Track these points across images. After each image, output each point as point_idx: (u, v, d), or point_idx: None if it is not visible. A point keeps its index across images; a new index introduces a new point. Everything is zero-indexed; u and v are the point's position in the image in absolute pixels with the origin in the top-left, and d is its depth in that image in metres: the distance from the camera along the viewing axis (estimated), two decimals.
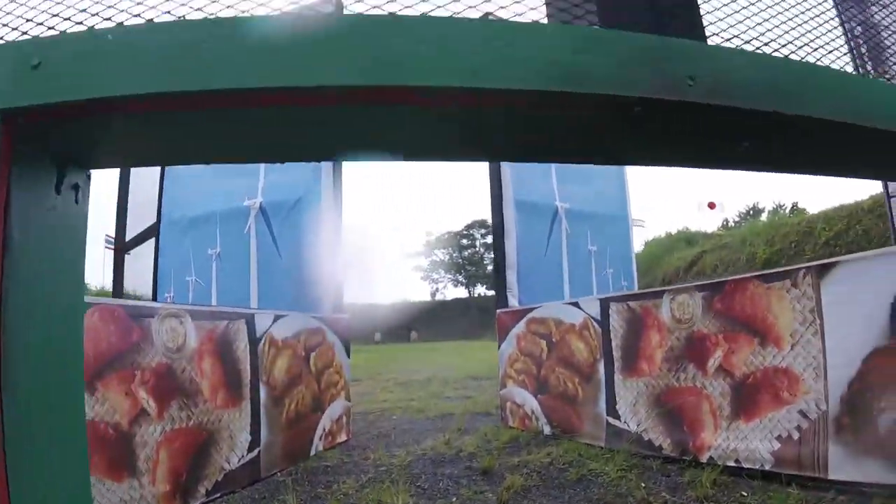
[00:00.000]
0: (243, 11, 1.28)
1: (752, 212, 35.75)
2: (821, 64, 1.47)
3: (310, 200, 8.87)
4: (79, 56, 1.08)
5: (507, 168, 10.06)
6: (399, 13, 1.19)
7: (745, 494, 4.70)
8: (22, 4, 1.26)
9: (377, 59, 1.08)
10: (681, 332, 5.82)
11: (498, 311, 9.30)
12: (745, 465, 5.12)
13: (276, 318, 6.42)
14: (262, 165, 8.86)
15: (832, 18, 1.55)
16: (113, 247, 10.69)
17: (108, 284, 12.62)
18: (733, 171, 1.57)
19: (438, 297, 75.18)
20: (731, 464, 5.23)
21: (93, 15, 1.21)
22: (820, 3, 1.55)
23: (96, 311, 4.12)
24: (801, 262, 12.10)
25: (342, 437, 7.81)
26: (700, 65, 1.21)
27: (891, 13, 2.00)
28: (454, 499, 5.18)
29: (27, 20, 1.24)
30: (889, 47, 1.93)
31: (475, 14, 1.30)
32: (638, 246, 24.35)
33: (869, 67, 1.90)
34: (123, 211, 10.53)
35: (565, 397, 7.49)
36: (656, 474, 5.53)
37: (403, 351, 33.75)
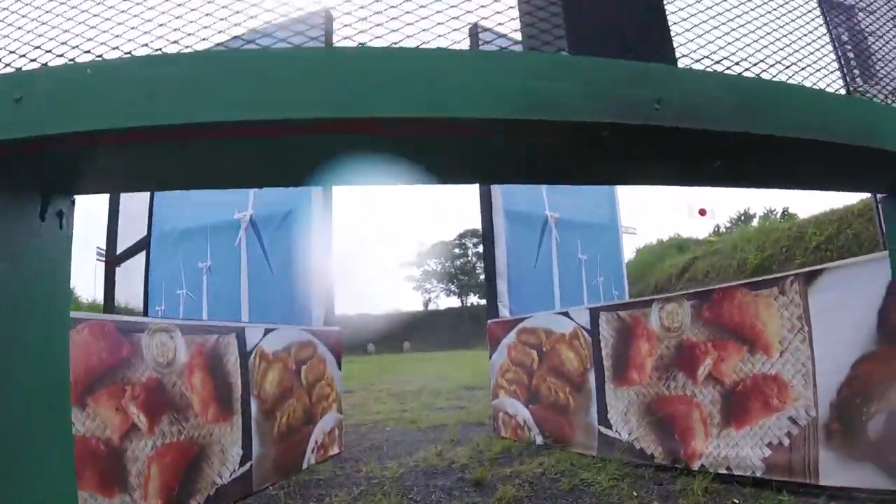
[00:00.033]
0: (236, 24, 1.31)
1: (742, 217, 35.90)
2: (793, 81, 1.50)
3: (300, 213, 8.88)
4: (59, 90, 1.10)
5: None
6: (367, 44, 1.21)
7: (737, 502, 4.72)
8: (5, 37, 1.27)
9: (344, 91, 1.09)
10: (670, 341, 5.85)
11: (489, 321, 9.30)
12: (737, 473, 5.13)
13: (267, 331, 6.41)
14: None
15: (804, 35, 1.58)
16: (104, 259, 10.65)
17: (100, 297, 12.55)
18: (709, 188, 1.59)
19: (431, 306, 75.02)
20: (723, 471, 5.24)
21: (73, 48, 1.23)
22: (792, 21, 1.58)
23: (86, 326, 4.11)
24: (792, 267, 12.18)
25: (335, 450, 7.79)
26: (667, 88, 1.23)
27: (878, 19, 2.04)
28: None
29: (10, 52, 1.26)
30: (875, 53, 1.97)
31: (444, 42, 1.32)
32: (630, 253, 24.44)
33: (856, 73, 1.93)
34: (114, 223, 10.49)
35: (557, 407, 7.50)
36: (648, 483, 5.54)
37: (397, 361, 33.64)
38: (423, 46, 1.25)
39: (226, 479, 5.37)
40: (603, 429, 6.67)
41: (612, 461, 6.20)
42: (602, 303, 9.02)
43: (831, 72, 1.58)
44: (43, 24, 1.27)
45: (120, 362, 4.33)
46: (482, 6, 1.40)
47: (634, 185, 1.65)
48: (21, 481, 1.22)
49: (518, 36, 1.45)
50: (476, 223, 10.82)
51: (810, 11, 1.64)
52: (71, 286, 1.49)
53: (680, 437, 5.72)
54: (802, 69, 1.52)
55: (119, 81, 1.09)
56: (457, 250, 74.44)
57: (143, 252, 10.19)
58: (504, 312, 9.67)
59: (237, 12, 1.34)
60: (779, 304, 4.88)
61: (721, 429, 5.32)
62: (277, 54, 1.16)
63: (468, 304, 70.64)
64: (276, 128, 1.06)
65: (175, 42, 1.25)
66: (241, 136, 1.08)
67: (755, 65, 1.44)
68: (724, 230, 31.87)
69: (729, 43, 1.43)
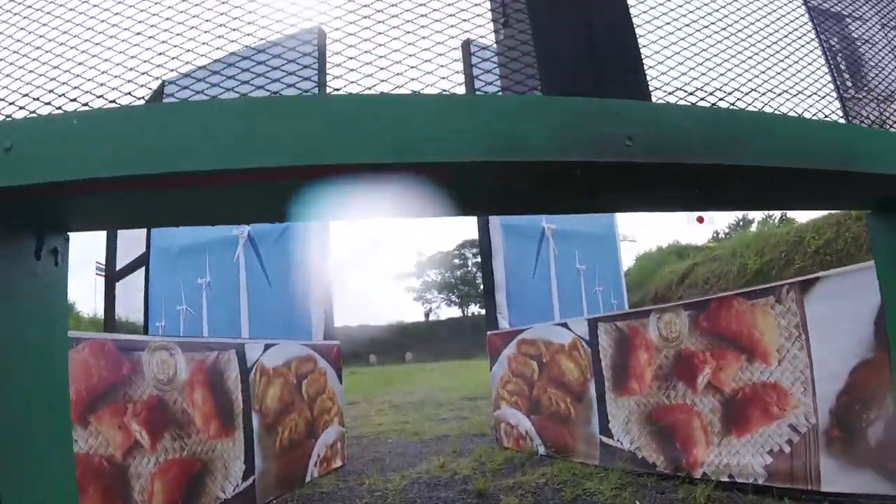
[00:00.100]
0: (233, 40, 1.34)
1: (741, 223, 35.78)
2: (768, 109, 1.52)
3: (298, 227, 8.90)
4: (47, 140, 1.13)
5: None
6: (332, 92, 1.24)
7: None
8: None
9: (309, 139, 1.13)
10: (669, 351, 5.86)
11: (488, 333, 9.31)
12: (739, 480, 5.13)
13: (267, 347, 6.43)
14: None
15: (781, 61, 1.60)
16: (103, 274, 10.69)
17: (101, 310, 12.56)
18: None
19: (432, 317, 74.93)
20: (725, 479, 5.24)
21: (59, 95, 1.26)
22: (768, 47, 1.60)
23: (87, 346, 4.14)
24: (791, 271, 12.18)
25: (337, 463, 7.79)
26: (637, 124, 1.24)
27: (868, 29, 2.07)
28: None
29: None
30: (868, 62, 1.99)
31: (437, 59, 1.35)
32: (630, 261, 24.44)
33: (849, 84, 1.96)
34: (113, 239, 10.54)
35: (558, 417, 7.50)
36: (651, 492, 5.54)
37: (399, 372, 33.55)
38: (400, 88, 1.28)
39: (229, 493, 5.38)
40: (604, 438, 6.68)
41: (615, 470, 6.20)
42: (601, 314, 9.03)
43: (809, 95, 1.60)
44: (29, 71, 1.31)
45: (121, 380, 4.36)
46: (475, 15, 1.44)
47: (618, 212, 1.68)
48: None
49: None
50: (475, 234, 10.81)
51: (787, 36, 1.67)
52: (70, 301, 1.52)
53: (681, 446, 5.73)
54: (779, 95, 1.55)
55: (104, 132, 1.12)
56: (456, 261, 74.39)
57: (143, 268, 10.22)
58: (503, 324, 9.68)
59: (229, 31, 1.38)
60: (776, 313, 4.90)
61: (722, 437, 5.33)
62: (260, 103, 1.19)
63: (469, 314, 70.51)
64: (263, 175, 1.09)
65: (149, 79, 1.28)
66: (227, 183, 1.12)
67: (729, 94, 1.46)
68: (723, 236, 31.82)
69: (702, 74, 1.45)
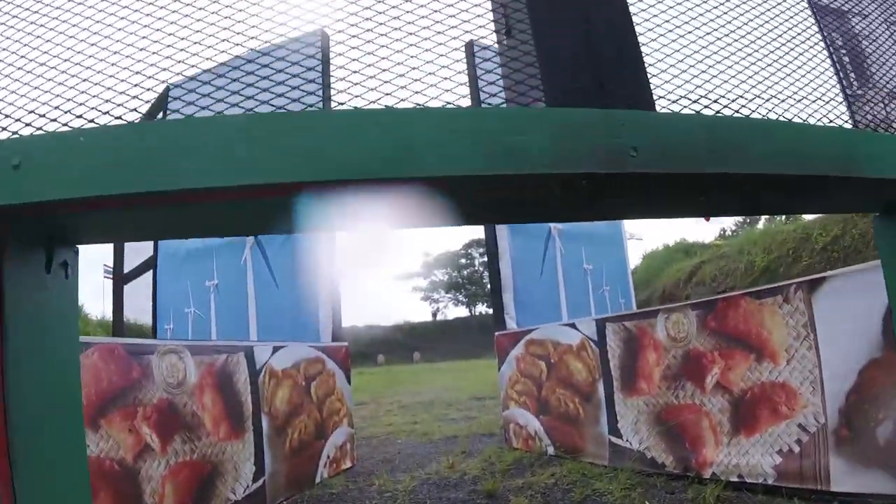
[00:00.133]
0: (237, 44, 1.35)
1: (748, 220, 35.64)
2: (773, 114, 1.51)
3: None
4: (54, 157, 1.14)
5: None
6: (336, 108, 1.24)
7: None
8: (1, 100, 1.32)
9: (313, 155, 1.13)
10: (677, 351, 5.84)
11: (496, 333, 9.31)
12: (748, 480, 5.11)
13: (275, 349, 6.45)
14: None
15: (783, 67, 1.60)
16: (111, 276, 10.73)
17: (109, 312, 12.60)
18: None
19: (440, 316, 74.98)
20: (734, 479, 5.23)
21: (65, 112, 1.27)
22: (768, 54, 1.60)
23: (96, 350, 4.16)
24: (798, 268, 12.13)
25: (347, 464, 7.81)
26: (642, 134, 1.24)
27: (870, 23, 2.06)
28: None
29: (5, 116, 1.30)
30: (873, 62, 1.99)
31: (440, 59, 1.36)
32: (636, 259, 24.36)
33: (855, 85, 1.95)
34: (121, 244, 10.58)
35: (567, 417, 7.49)
36: (660, 492, 5.52)
37: (407, 372, 33.57)
38: (404, 102, 1.28)
39: (239, 495, 5.40)
40: (613, 438, 6.67)
41: (624, 470, 6.19)
42: (608, 314, 9.01)
43: (813, 100, 1.60)
44: (35, 88, 1.32)
45: (131, 384, 4.38)
46: (478, 16, 1.44)
47: (625, 219, 1.68)
48: None
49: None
50: (481, 233, 10.81)
51: (790, 41, 1.67)
52: (79, 303, 1.54)
53: (690, 446, 5.71)
54: (783, 101, 1.54)
55: (111, 149, 1.13)
56: (463, 260, 74.47)
57: (150, 271, 10.27)
58: (511, 324, 9.67)
59: (233, 35, 1.39)
60: (784, 312, 4.87)
61: (731, 437, 5.31)
62: (264, 119, 1.20)
63: (476, 313, 70.50)
64: (268, 190, 1.10)
65: (155, 89, 1.29)
66: (232, 198, 1.12)
67: (733, 101, 1.46)
68: (730, 233, 31.69)
69: (706, 81, 1.45)
